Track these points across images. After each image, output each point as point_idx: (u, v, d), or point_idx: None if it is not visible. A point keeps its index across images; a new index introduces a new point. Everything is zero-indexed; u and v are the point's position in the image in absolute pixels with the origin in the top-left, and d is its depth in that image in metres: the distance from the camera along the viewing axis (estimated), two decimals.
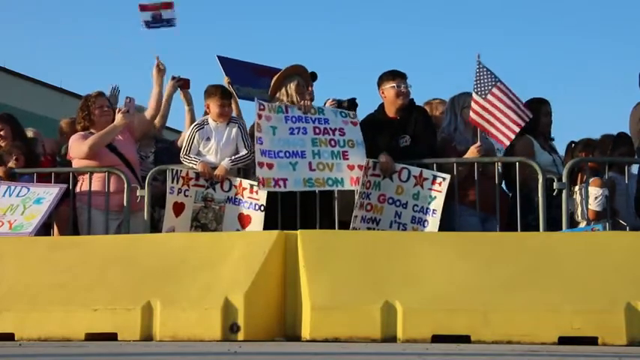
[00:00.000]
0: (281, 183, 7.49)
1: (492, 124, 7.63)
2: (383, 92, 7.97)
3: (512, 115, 7.60)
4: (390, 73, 7.97)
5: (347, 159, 7.61)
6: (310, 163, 7.53)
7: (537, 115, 8.14)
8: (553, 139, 8.58)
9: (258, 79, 8.93)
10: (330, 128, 7.70)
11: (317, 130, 7.68)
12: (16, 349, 5.60)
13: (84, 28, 46.71)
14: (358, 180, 7.52)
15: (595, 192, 7.69)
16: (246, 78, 8.96)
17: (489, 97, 7.63)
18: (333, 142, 7.66)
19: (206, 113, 8.15)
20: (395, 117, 7.91)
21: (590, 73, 49.42)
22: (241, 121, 8.09)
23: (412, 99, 8.01)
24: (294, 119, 7.67)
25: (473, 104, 7.69)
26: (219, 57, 9.03)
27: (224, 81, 8.77)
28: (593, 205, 7.68)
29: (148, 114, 8.49)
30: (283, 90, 7.93)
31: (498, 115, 7.62)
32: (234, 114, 8.31)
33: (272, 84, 8.01)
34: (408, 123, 7.84)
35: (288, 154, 7.57)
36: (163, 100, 8.51)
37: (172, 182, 7.74)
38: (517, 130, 7.62)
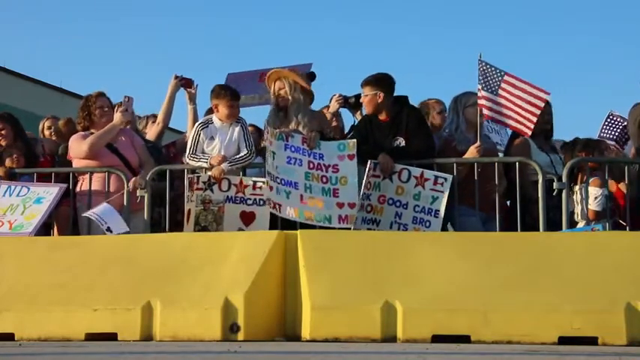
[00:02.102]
0: (277, 207, 7.54)
1: (510, 117, 7.61)
2: None
3: (530, 99, 7.55)
4: (363, 81, 7.90)
5: (337, 196, 7.60)
6: (302, 196, 7.56)
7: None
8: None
9: (257, 85, 8.84)
10: (324, 164, 7.68)
11: (311, 165, 7.66)
12: (16, 349, 5.60)
13: (84, 28, 46.77)
14: (346, 218, 7.51)
15: (595, 192, 7.69)
16: (242, 86, 8.87)
17: (500, 91, 7.60)
18: (324, 179, 7.63)
19: (208, 112, 8.14)
20: (386, 119, 7.84)
21: (590, 73, 49.43)
22: (244, 120, 8.07)
23: (406, 97, 7.96)
24: (292, 149, 7.66)
25: (484, 101, 7.65)
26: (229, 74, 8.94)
27: None
28: (593, 205, 7.68)
29: (151, 134, 8.70)
30: (270, 93, 8.10)
31: (513, 107, 7.58)
32: None
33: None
34: (400, 124, 7.76)
35: (283, 182, 7.58)
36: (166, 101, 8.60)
37: (188, 190, 7.65)
38: (538, 112, 7.55)
